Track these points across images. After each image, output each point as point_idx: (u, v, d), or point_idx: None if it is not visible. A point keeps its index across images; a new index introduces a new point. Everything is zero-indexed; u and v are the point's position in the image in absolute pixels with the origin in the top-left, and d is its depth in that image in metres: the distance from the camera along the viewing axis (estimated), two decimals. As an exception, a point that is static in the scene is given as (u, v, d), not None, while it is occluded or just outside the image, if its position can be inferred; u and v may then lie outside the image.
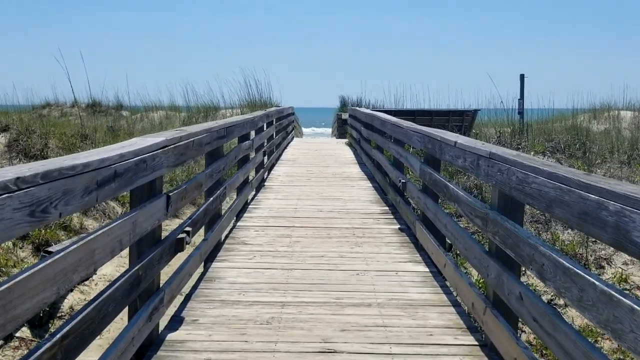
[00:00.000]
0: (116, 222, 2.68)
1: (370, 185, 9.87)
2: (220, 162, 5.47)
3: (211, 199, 5.04)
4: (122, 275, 2.88)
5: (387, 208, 7.81)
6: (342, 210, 7.61)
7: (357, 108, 15.99)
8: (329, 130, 32.96)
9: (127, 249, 3.06)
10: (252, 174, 9.84)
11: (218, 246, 5.61)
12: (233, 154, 6.27)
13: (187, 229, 3.86)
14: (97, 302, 2.45)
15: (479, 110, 20.10)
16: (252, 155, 8.91)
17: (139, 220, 2.95)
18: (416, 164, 5.89)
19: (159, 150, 3.30)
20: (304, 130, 32.12)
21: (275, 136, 13.22)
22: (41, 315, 5.75)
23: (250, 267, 5.06)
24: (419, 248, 5.65)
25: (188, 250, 4.38)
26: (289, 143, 17.30)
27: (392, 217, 7.24)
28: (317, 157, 14.11)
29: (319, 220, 7.01)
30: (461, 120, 18.91)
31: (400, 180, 6.62)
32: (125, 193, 3.57)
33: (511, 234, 2.99)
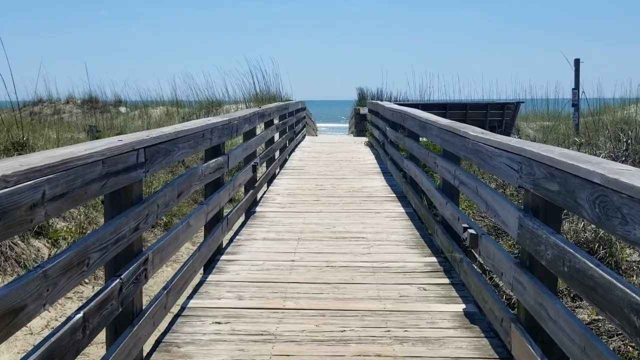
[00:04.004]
0: None
1: (402, 209, 7.09)
2: (120, 220, 2.74)
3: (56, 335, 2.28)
4: None
5: (433, 258, 5.03)
6: (365, 265, 4.85)
7: (379, 102, 13.20)
8: (346, 125, 30.11)
9: None
10: (240, 192, 7.15)
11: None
12: (169, 192, 3.50)
13: None
14: None
15: (523, 102, 17.22)
16: (243, 166, 6.20)
17: None
18: (508, 212, 3.10)
19: None
20: (319, 125, 29.28)
21: (278, 138, 10.50)
22: None
23: None
24: (520, 380, 2.88)
25: None
26: (298, 144, 14.56)
27: (447, 280, 4.46)
28: (331, 163, 11.34)
29: (327, 289, 4.26)
30: (501, 114, 16.04)
31: (465, 227, 3.84)
32: None
33: None
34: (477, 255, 4.18)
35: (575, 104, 14.80)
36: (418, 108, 9.26)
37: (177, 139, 3.61)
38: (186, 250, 6.44)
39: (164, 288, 3.45)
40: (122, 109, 25.43)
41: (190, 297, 4.10)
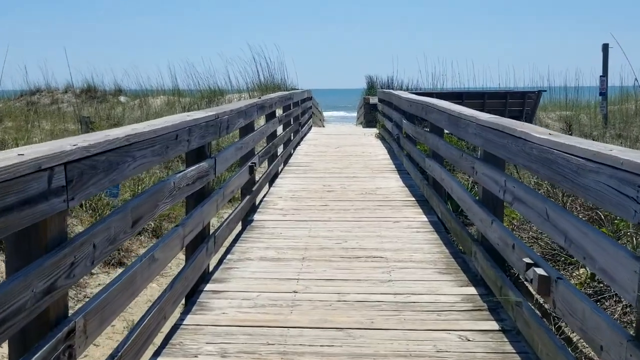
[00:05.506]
0: None
1: (425, 217, 6.05)
2: (14, 284, 1.71)
3: None
4: None
5: (472, 289, 3.98)
6: (387, 300, 3.81)
7: (392, 91, 12.13)
8: (354, 114, 28.99)
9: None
10: (237, 196, 6.17)
11: None
12: (116, 223, 2.44)
13: None
14: None
15: (544, 90, 16.10)
16: (240, 169, 5.17)
17: None
18: (616, 260, 2.04)
19: None
20: (326, 115, 28.15)
21: (281, 132, 9.46)
22: None
23: None
24: None
25: None
26: (303, 137, 13.53)
27: (495, 324, 3.42)
28: (339, 159, 10.29)
29: (340, 339, 3.21)
30: (521, 104, 14.91)
31: (530, 263, 2.80)
32: None
33: None
34: (543, 302, 3.15)
35: (603, 93, 13.68)
36: (432, 97, 8.25)
37: (131, 145, 2.57)
38: (175, 261, 5.43)
39: (111, 357, 2.43)
40: (122, 99, 24.51)
41: (157, 354, 3.08)
